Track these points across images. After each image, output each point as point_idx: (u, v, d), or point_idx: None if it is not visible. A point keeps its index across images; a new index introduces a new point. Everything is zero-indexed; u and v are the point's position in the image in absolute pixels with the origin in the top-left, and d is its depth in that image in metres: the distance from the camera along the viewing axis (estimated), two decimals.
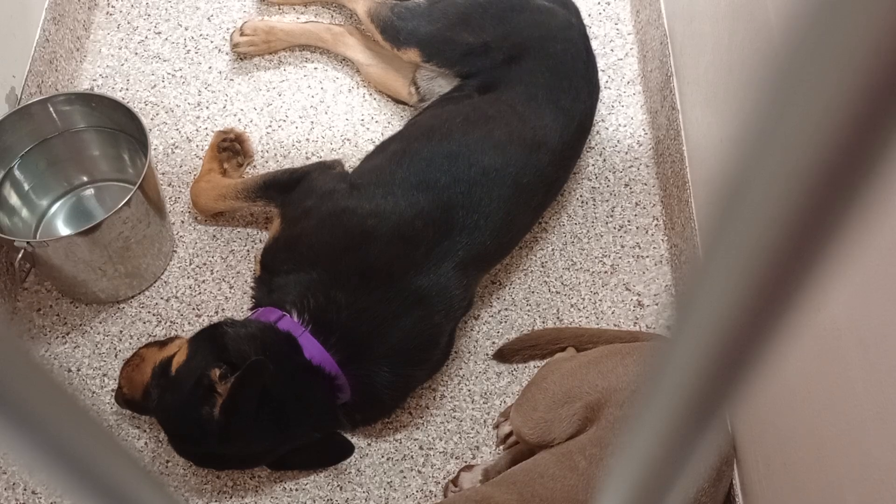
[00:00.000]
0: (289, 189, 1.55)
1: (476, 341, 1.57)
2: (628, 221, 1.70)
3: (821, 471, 1.04)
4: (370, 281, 1.37)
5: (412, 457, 1.48)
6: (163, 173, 1.73)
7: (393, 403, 1.45)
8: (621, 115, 1.82)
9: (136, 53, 1.88)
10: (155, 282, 1.62)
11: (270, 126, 1.79)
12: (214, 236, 1.67)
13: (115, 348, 1.56)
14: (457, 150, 1.45)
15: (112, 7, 1.94)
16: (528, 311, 1.60)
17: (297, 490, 1.45)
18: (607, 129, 1.80)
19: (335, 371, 1.35)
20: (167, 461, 1.47)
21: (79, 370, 1.54)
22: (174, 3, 1.95)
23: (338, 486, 1.45)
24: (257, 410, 1.29)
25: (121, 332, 1.57)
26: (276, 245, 1.49)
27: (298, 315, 1.37)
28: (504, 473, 1.29)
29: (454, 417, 1.51)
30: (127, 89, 1.83)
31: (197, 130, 1.78)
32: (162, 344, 1.42)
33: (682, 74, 1.64)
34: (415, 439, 1.49)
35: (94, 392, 1.52)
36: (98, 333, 1.57)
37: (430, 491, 1.45)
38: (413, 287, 1.37)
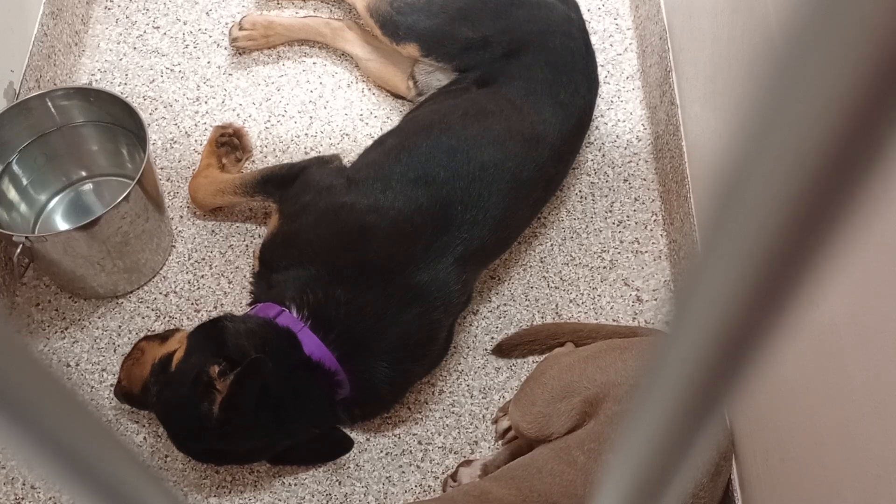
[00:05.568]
0: (287, 184, 1.55)
1: (475, 336, 1.57)
2: (627, 217, 1.70)
3: (819, 466, 1.04)
4: (369, 276, 1.37)
5: (411, 452, 1.48)
6: (161, 168, 1.73)
7: (392, 399, 1.45)
8: (620, 110, 1.82)
9: (135, 48, 1.87)
10: (154, 277, 1.62)
11: (269, 121, 1.79)
12: (213, 231, 1.67)
13: (113, 343, 1.56)
14: (455, 144, 1.45)
15: (110, 2, 1.94)
16: (527, 306, 1.60)
17: (296, 485, 1.45)
18: (606, 124, 1.80)
19: (334, 367, 1.35)
20: (166, 456, 1.47)
21: (77, 365, 1.54)
22: None
23: (337, 481, 1.45)
24: (256, 407, 1.29)
25: (119, 327, 1.57)
26: (275, 240, 1.48)
27: (298, 310, 1.37)
28: (502, 468, 1.29)
29: (453, 412, 1.51)
30: (125, 84, 1.83)
31: (195, 125, 1.78)
32: (163, 337, 1.42)
33: (682, 70, 1.64)
34: (413, 434, 1.49)
35: (92, 387, 1.52)
36: (97, 328, 1.57)
37: (429, 486, 1.45)
38: (412, 282, 1.37)
